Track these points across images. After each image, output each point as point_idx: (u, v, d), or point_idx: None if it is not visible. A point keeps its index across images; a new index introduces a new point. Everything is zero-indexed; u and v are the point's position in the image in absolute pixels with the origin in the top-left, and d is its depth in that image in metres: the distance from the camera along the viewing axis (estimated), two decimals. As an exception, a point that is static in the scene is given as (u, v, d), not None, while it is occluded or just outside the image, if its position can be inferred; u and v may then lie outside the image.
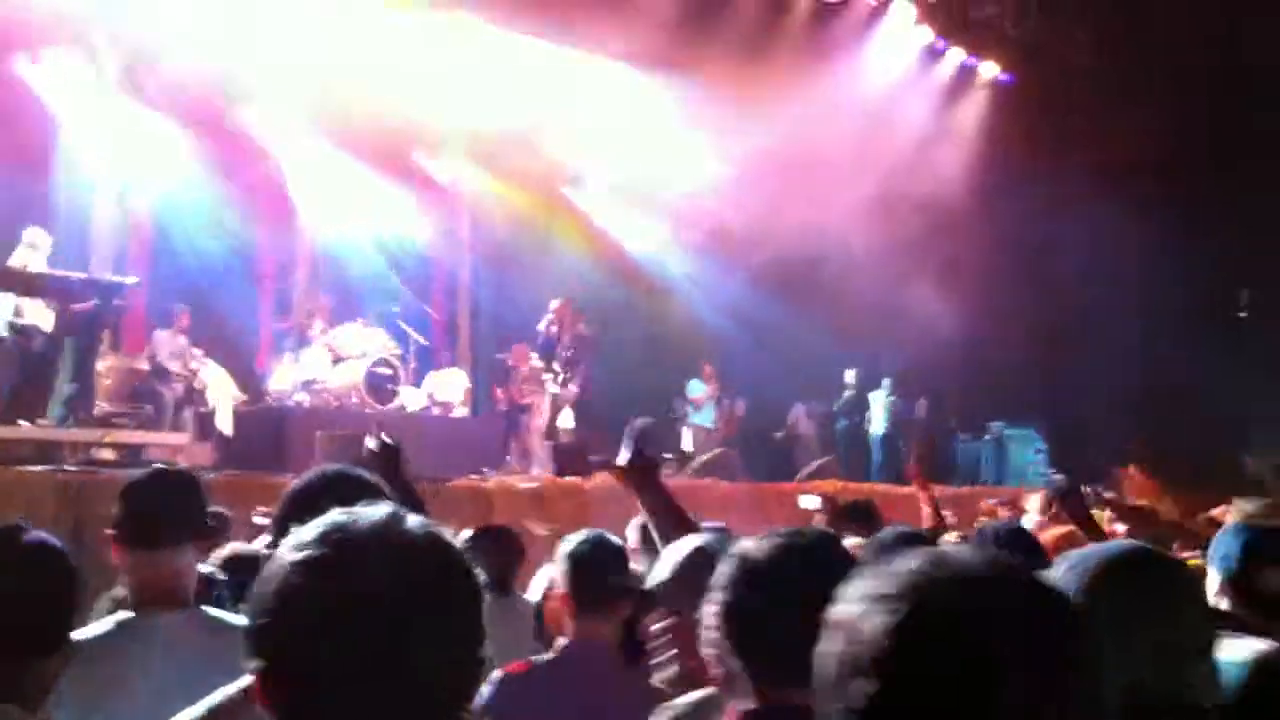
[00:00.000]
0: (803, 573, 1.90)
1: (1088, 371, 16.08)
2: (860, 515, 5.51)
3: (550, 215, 17.31)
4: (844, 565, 1.77)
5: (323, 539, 1.38)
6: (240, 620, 2.90)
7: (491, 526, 5.69)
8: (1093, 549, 2.01)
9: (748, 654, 1.91)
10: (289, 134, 15.27)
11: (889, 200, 15.99)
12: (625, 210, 17.73)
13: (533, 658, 3.62)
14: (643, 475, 3.22)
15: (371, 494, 2.25)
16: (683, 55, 15.27)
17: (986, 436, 15.97)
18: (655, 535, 3.16)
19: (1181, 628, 1.87)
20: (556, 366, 14.14)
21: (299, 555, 1.37)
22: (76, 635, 2.70)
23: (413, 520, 1.43)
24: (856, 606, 1.15)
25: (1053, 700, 1.10)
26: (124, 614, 2.95)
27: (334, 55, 14.59)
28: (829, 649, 1.16)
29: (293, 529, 1.86)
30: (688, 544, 2.63)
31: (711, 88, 15.46)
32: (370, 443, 3.75)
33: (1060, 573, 1.88)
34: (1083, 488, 5.09)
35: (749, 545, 2.03)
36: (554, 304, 14.34)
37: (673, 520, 3.11)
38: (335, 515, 1.42)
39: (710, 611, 1.96)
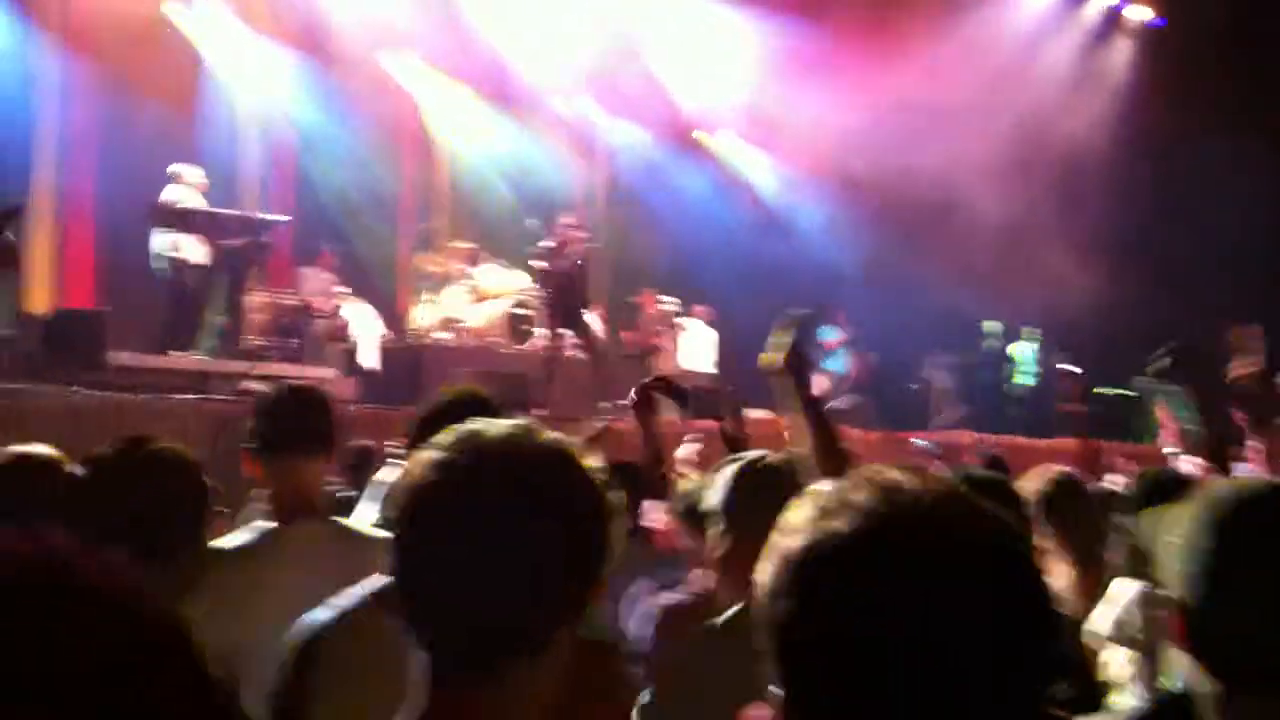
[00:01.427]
0: None
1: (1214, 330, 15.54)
2: (992, 467, 5.45)
3: (680, 160, 17.29)
4: None
5: (455, 444, 1.44)
6: (376, 531, 3.03)
7: (628, 462, 5.71)
8: (1225, 484, 1.89)
9: None
10: (428, 76, 15.49)
11: (1027, 149, 15.60)
12: (757, 156, 17.63)
13: (688, 594, 3.44)
14: (800, 369, 3.00)
15: (492, 413, 2.30)
16: (816, 1, 15.11)
17: (1132, 391, 15.54)
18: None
19: None
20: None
21: (432, 456, 1.43)
22: (215, 543, 2.83)
23: (545, 434, 1.48)
24: (797, 525, 1.12)
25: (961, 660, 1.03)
26: (261, 523, 3.06)
27: (475, 6, 14.77)
28: (764, 565, 1.13)
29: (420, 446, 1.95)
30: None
31: (842, 32, 15.24)
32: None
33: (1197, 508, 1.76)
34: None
35: None
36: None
37: (826, 437, 2.86)
38: (470, 424, 1.48)
39: None
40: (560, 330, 12.66)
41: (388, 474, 4.36)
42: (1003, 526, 1.11)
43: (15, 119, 12.17)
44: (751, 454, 3.08)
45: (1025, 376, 16.09)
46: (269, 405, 3.18)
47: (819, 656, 1.06)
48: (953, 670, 1.03)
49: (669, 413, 5.63)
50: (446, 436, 1.46)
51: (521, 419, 1.53)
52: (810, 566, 1.07)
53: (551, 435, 1.49)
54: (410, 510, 1.42)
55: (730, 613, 2.72)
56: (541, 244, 12.67)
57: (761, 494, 2.95)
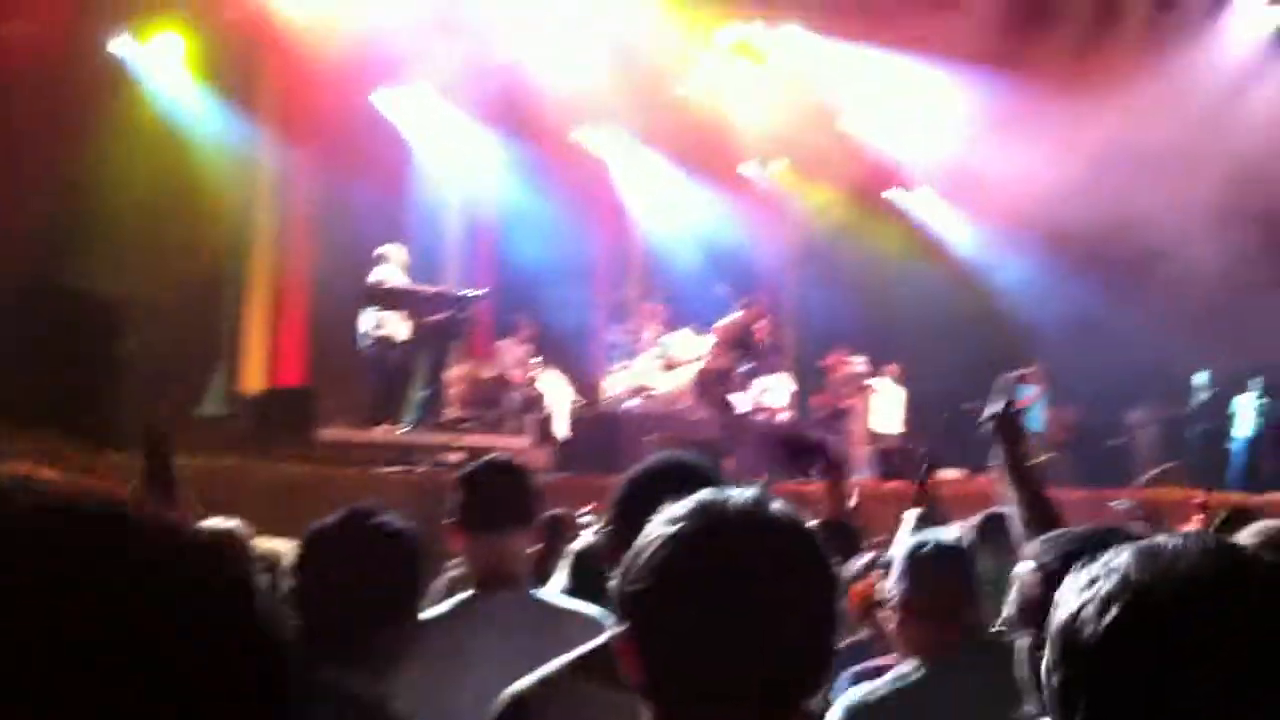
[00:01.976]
0: None
1: None
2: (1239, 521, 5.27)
3: (873, 220, 17.22)
4: None
5: (695, 514, 1.45)
6: (569, 604, 3.14)
7: (832, 520, 5.70)
8: None
9: None
10: (621, 147, 15.85)
11: (1236, 196, 15.01)
12: (951, 212, 17.44)
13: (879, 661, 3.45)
14: (1013, 429, 3.07)
15: (702, 479, 2.28)
16: (1010, 51, 14.86)
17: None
18: (1011, 507, 2.96)
19: None
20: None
21: (673, 529, 1.44)
22: (421, 614, 2.95)
23: (776, 503, 1.50)
24: (1068, 613, 1.16)
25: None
26: (464, 593, 3.19)
27: (667, 74, 15.08)
28: (1048, 662, 1.18)
29: (625, 514, 1.99)
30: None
31: (1042, 83, 14.96)
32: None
33: None
34: None
35: None
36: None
37: (1032, 497, 2.95)
38: (707, 493, 1.49)
39: None
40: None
41: (580, 543, 4.45)
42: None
43: (235, 205, 12.88)
44: (921, 537, 3.15)
45: (1246, 428, 15.37)
46: (471, 480, 3.28)
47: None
48: None
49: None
50: (683, 506, 1.47)
51: (744, 487, 1.54)
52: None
53: (784, 506, 1.51)
54: (650, 582, 1.43)
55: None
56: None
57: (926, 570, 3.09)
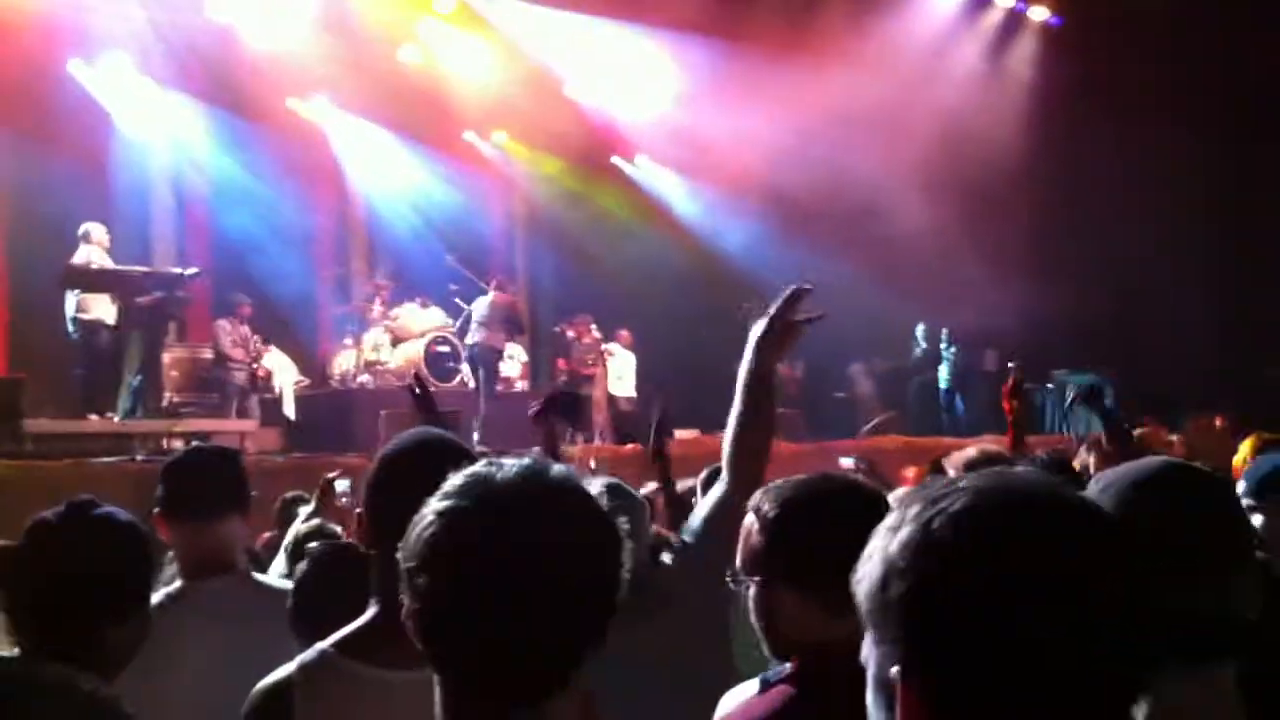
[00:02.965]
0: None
1: (1158, 319, 15.83)
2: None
3: (598, 187, 17.37)
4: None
5: (468, 489, 1.44)
6: (280, 584, 3.02)
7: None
8: (1125, 466, 1.97)
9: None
10: (342, 118, 15.44)
11: (942, 154, 15.78)
12: (674, 177, 17.75)
13: None
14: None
15: (461, 456, 2.26)
16: (724, 19, 15.17)
17: (1048, 385, 15.75)
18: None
19: (1220, 537, 1.85)
20: None
21: (444, 505, 1.43)
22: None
23: (554, 469, 1.48)
24: (894, 521, 1.17)
25: (1099, 617, 1.09)
26: (175, 584, 3.05)
27: (384, 42, 14.75)
28: (868, 564, 1.17)
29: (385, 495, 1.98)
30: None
31: (756, 50, 15.34)
32: (413, 384, 3.86)
33: (1094, 492, 1.86)
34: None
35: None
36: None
37: None
38: (478, 467, 1.47)
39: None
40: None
41: (299, 525, 4.35)
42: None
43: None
44: None
45: (946, 379, 16.28)
46: (174, 468, 3.20)
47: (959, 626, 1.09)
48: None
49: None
50: (457, 481, 1.45)
51: (519, 457, 1.51)
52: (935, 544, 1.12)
53: (560, 471, 1.48)
54: (430, 559, 1.42)
55: None
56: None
57: None
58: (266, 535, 5.55)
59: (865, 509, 2.03)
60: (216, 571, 3.01)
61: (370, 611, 2.09)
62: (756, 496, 2.18)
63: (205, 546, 3.04)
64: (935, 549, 1.12)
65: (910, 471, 7.66)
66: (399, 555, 1.46)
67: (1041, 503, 1.14)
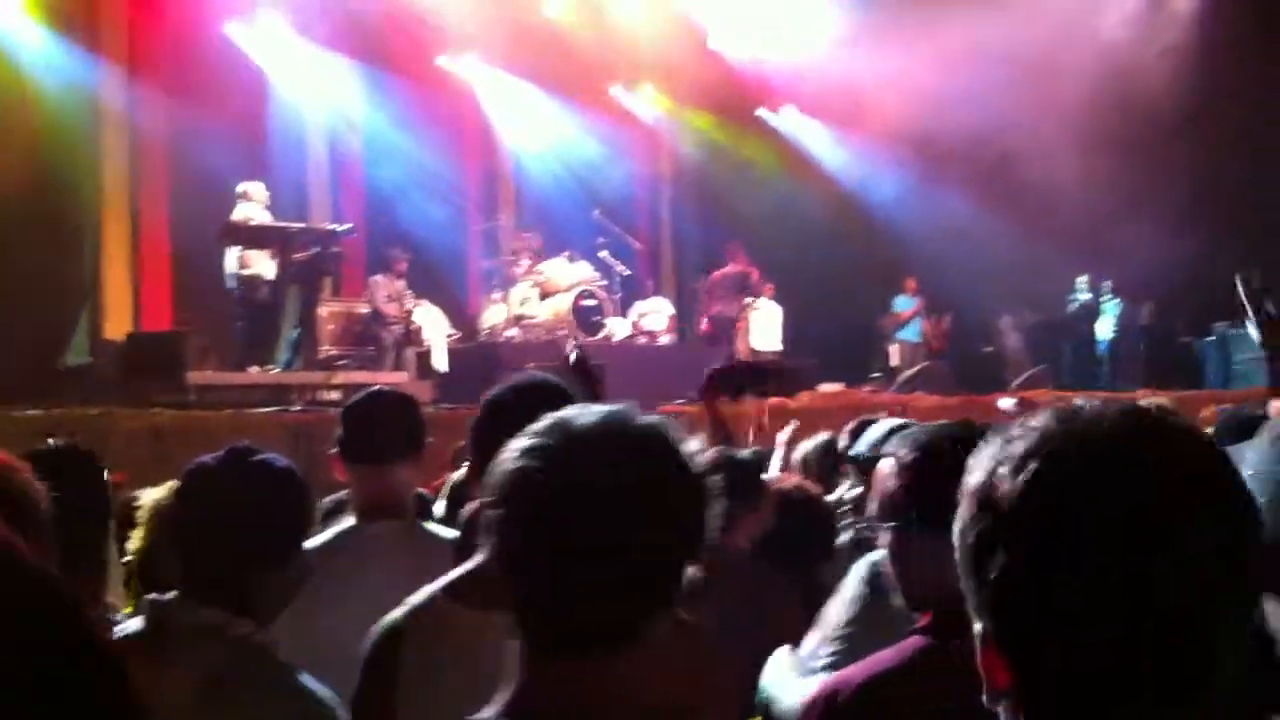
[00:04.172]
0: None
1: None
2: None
3: (745, 139, 17.25)
4: None
5: (549, 430, 1.45)
6: (446, 532, 3.08)
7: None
8: None
9: None
10: (490, 75, 15.59)
11: (1102, 97, 15.27)
12: (821, 128, 17.53)
13: None
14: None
15: (561, 399, 2.27)
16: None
17: (1210, 338, 15.22)
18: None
19: None
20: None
21: (524, 443, 1.44)
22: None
23: (639, 417, 1.48)
24: (984, 471, 1.11)
25: (1211, 554, 1.02)
26: (345, 523, 3.12)
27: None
28: (962, 522, 1.13)
29: (488, 435, 1.93)
30: None
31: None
32: (570, 352, 3.95)
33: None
34: None
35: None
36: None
37: None
38: (565, 411, 1.48)
39: None
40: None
41: (458, 474, 4.41)
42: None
43: (86, 149, 12.41)
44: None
45: (1107, 330, 15.84)
46: (353, 411, 3.25)
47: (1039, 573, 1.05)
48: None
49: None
50: (540, 423, 1.46)
51: (613, 404, 1.52)
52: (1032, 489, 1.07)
53: (647, 420, 1.48)
54: (506, 498, 1.43)
55: None
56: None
57: None
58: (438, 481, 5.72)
59: None
60: (387, 515, 3.08)
61: (479, 555, 2.14)
62: (893, 443, 2.16)
63: (378, 490, 3.11)
64: (990, 506, 1.09)
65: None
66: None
67: (1119, 457, 1.06)
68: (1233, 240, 14.56)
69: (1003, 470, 1.09)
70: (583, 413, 1.46)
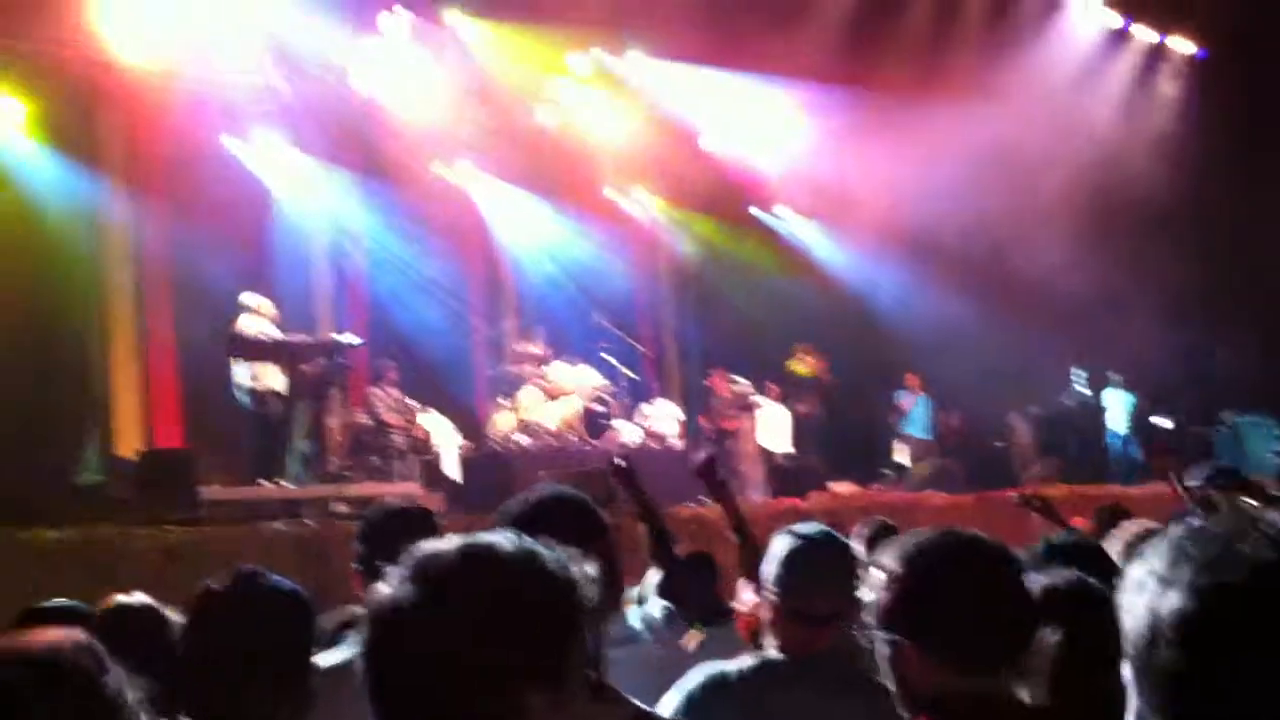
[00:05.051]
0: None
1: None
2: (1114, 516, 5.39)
3: (741, 239, 17.40)
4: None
5: (412, 572, 1.49)
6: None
7: (700, 552, 5.62)
8: None
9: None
10: (485, 182, 15.76)
11: (1087, 192, 15.44)
12: (816, 226, 17.69)
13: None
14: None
15: (582, 510, 2.40)
16: (857, 66, 15.14)
17: (1221, 426, 15.22)
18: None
19: None
20: None
21: (388, 587, 1.50)
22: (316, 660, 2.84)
23: (507, 548, 1.49)
24: (1163, 571, 1.13)
25: None
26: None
27: (521, 105, 15.05)
28: (1132, 610, 1.15)
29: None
30: None
31: (891, 95, 15.27)
32: (618, 461, 4.05)
33: None
34: None
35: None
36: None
37: None
38: (425, 545, 1.51)
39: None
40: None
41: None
42: None
43: (89, 265, 12.49)
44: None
45: (1119, 424, 15.81)
46: (374, 526, 3.25)
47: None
48: None
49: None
50: (404, 560, 1.50)
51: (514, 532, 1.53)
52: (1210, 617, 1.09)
53: (517, 547, 1.49)
54: (372, 641, 1.47)
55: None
56: None
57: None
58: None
59: (990, 564, 2.10)
60: None
61: None
62: (884, 552, 2.18)
63: None
64: (1213, 629, 1.09)
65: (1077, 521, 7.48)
66: None
67: None
68: (1230, 328, 14.66)
69: (1218, 597, 1.11)
70: (441, 548, 1.49)
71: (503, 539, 1.50)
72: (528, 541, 1.51)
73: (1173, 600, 1.11)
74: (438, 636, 1.42)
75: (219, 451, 11.47)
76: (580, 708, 1.50)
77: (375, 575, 2.98)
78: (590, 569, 1.54)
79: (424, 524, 3.25)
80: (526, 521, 2.23)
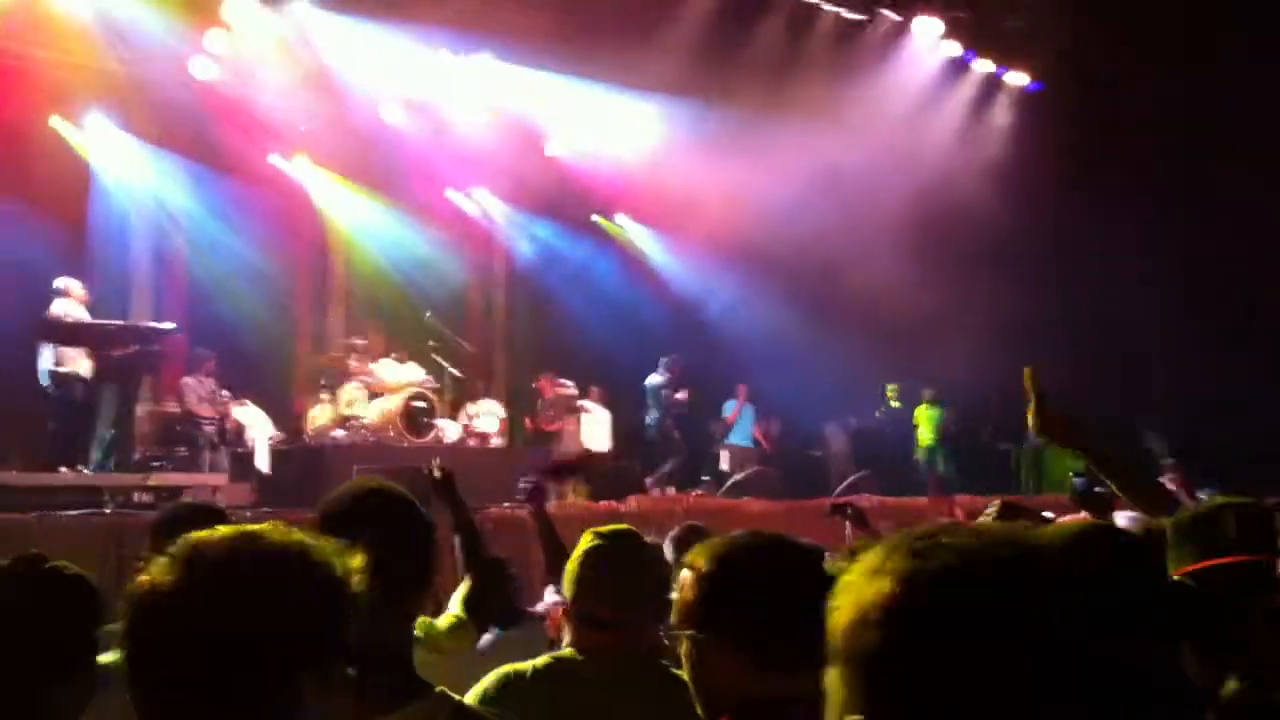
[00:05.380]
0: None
1: (1135, 377, 15.88)
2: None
3: (580, 244, 17.45)
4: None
5: (175, 559, 1.51)
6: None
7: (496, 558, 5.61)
8: None
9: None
10: (322, 177, 15.51)
11: (921, 216, 15.87)
12: (656, 236, 17.85)
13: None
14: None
15: (399, 504, 2.36)
16: (708, 81, 15.30)
17: (1025, 445, 15.79)
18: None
19: None
20: None
21: (153, 572, 1.52)
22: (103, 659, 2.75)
23: (271, 537, 1.52)
24: (875, 564, 1.18)
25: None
26: None
27: (366, 100, 14.85)
28: (837, 610, 1.19)
29: None
30: None
31: (739, 112, 15.49)
32: (435, 470, 4.14)
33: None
34: None
35: None
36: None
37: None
38: (193, 534, 1.55)
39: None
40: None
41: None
42: None
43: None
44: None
45: (926, 437, 16.30)
46: (164, 524, 3.22)
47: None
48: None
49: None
50: (173, 549, 1.51)
51: (271, 523, 1.56)
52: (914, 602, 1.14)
53: (284, 536, 1.52)
54: (130, 624, 1.49)
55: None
56: None
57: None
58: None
59: (798, 564, 2.11)
60: None
61: None
62: (691, 552, 2.20)
63: None
64: (909, 611, 1.14)
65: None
66: None
67: (1041, 568, 1.16)
68: (1045, 351, 15.18)
69: (917, 581, 1.16)
70: (208, 536, 1.52)
71: (271, 529, 1.52)
72: (298, 534, 1.53)
73: (880, 585, 1.15)
74: (194, 618, 1.44)
75: (17, 436, 11.02)
76: (346, 700, 1.51)
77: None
78: (360, 561, 1.55)
79: (215, 522, 3.20)
80: (346, 514, 2.24)
